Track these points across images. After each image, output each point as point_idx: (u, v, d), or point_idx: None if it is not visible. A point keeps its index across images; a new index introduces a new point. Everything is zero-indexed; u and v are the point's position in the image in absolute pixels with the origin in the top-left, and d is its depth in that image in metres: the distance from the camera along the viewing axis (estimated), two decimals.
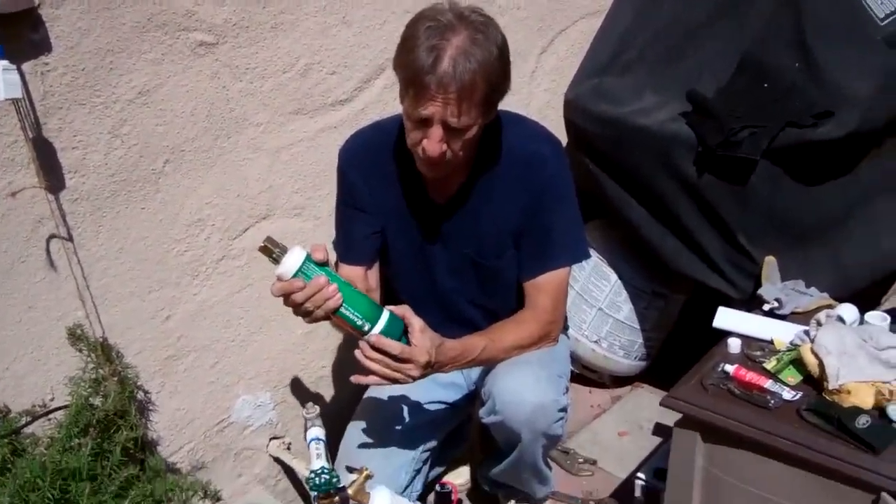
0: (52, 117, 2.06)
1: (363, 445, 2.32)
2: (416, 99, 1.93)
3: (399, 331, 1.96)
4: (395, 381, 1.98)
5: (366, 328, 1.91)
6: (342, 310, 1.88)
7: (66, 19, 2.02)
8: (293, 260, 1.84)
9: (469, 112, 1.93)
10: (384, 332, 1.92)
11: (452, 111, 1.91)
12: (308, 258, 1.85)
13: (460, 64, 1.87)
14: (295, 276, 1.84)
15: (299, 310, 1.88)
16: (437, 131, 1.95)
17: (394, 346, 1.92)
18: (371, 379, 1.98)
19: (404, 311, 1.98)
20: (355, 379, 2.01)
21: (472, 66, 1.87)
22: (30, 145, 2.01)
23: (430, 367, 2.00)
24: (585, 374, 3.33)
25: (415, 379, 1.99)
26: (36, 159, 2.03)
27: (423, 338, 1.97)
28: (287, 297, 1.87)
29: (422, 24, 1.92)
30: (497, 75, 1.95)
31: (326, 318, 1.90)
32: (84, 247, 2.18)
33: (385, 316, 1.94)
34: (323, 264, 1.88)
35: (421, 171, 2.11)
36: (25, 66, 1.97)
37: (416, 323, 1.97)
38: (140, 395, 2.34)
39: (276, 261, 1.84)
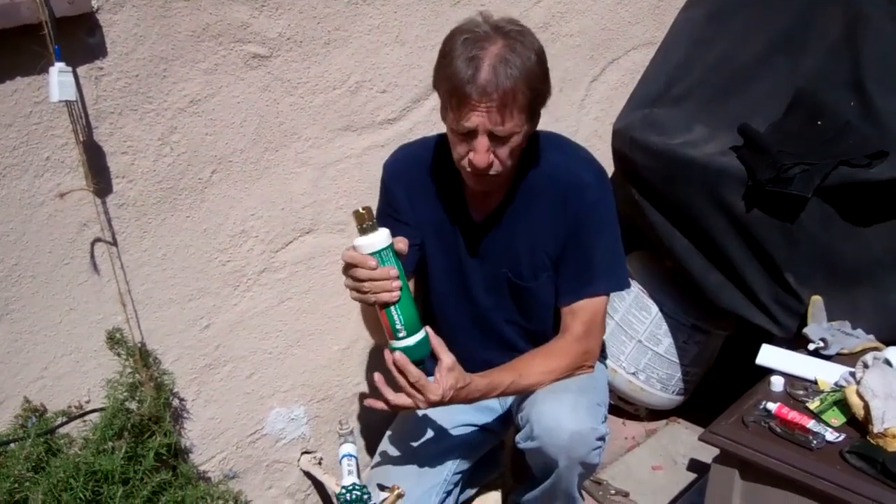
0: (104, 122, 2.08)
1: (395, 464, 2.30)
2: (458, 110, 1.93)
3: (424, 354, 1.95)
4: (402, 406, 1.98)
5: (400, 334, 1.90)
6: (391, 308, 1.87)
7: (123, 25, 2.05)
8: (378, 239, 1.83)
9: (512, 118, 1.93)
10: (412, 347, 1.91)
11: (496, 119, 1.91)
12: (391, 247, 1.85)
13: (501, 71, 1.88)
14: (371, 254, 1.83)
15: (354, 284, 1.87)
16: (482, 142, 1.95)
17: (413, 373, 1.92)
18: (379, 404, 2.00)
19: (437, 344, 1.97)
20: (369, 403, 2.05)
21: (512, 73, 1.88)
22: (80, 148, 2.04)
23: (440, 404, 1.99)
24: (621, 406, 3.29)
25: (422, 408, 1.99)
26: (85, 162, 2.05)
27: (447, 376, 1.97)
28: (351, 268, 1.86)
29: (459, 37, 1.94)
30: (537, 80, 1.96)
31: (372, 305, 1.89)
32: (127, 252, 2.20)
33: (421, 334, 1.93)
34: (399, 259, 1.88)
35: (469, 184, 2.11)
36: (80, 70, 2.00)
37: (445, 360, 1.98)
38: (175, 402, 2.36)
39: (364, 231, 1.83)
